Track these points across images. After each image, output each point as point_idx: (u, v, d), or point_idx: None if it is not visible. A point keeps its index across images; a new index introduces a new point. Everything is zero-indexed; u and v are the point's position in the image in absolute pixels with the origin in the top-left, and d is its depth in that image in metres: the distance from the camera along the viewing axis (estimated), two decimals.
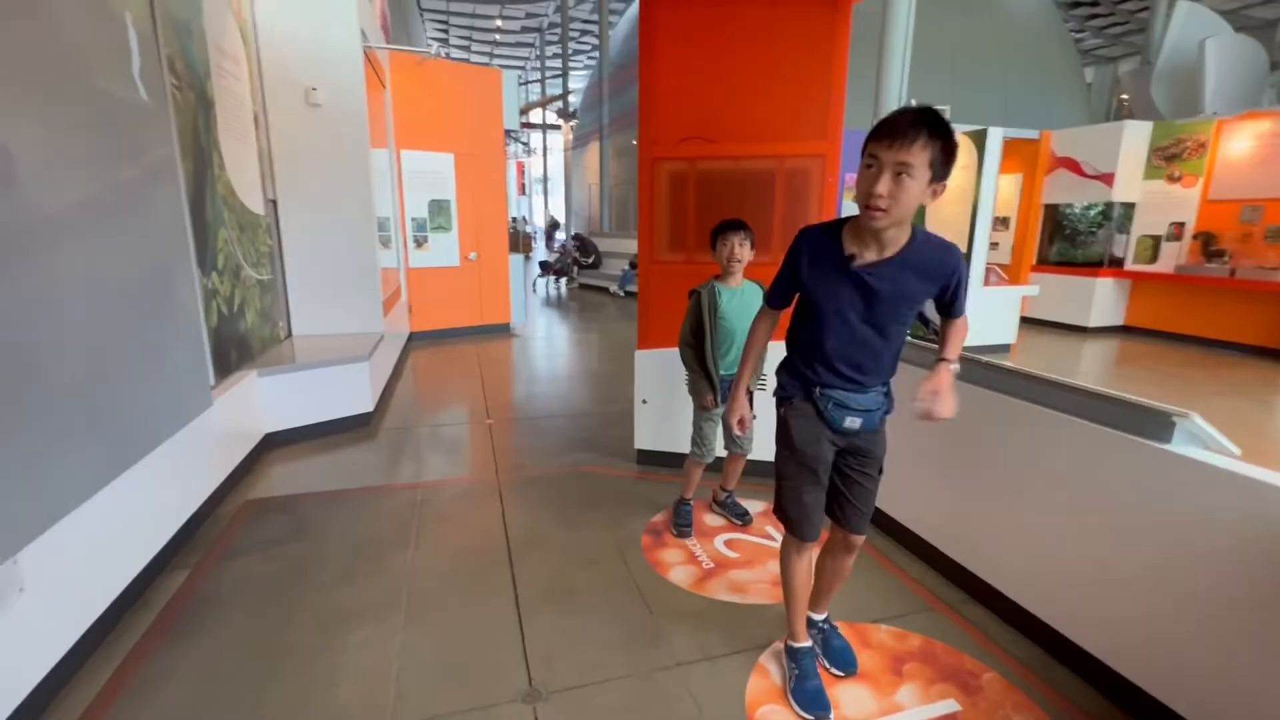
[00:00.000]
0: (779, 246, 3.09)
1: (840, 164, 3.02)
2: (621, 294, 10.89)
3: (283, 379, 3.58)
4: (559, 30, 23.38)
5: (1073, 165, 7.87)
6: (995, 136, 5.95)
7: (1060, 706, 1.75)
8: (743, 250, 2.48)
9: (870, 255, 1.49)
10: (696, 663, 1.93)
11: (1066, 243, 8.32)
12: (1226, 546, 1.48)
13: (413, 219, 6.53)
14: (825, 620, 1.97)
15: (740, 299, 2.52)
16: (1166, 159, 7.27)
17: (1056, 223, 8.32)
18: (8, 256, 1.60)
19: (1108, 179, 7.45)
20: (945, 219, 6.50)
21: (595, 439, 3.89)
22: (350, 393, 3.92)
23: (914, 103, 6.22)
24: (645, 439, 3.42)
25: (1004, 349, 6.65)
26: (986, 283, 6.58)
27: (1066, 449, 1.87)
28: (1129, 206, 7.59)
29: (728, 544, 2.65)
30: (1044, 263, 8.41)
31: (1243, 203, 6.66)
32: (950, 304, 1.57)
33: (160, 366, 2.38)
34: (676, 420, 3.32)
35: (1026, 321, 8.36)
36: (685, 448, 3.33)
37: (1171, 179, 7.24)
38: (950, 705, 1.75)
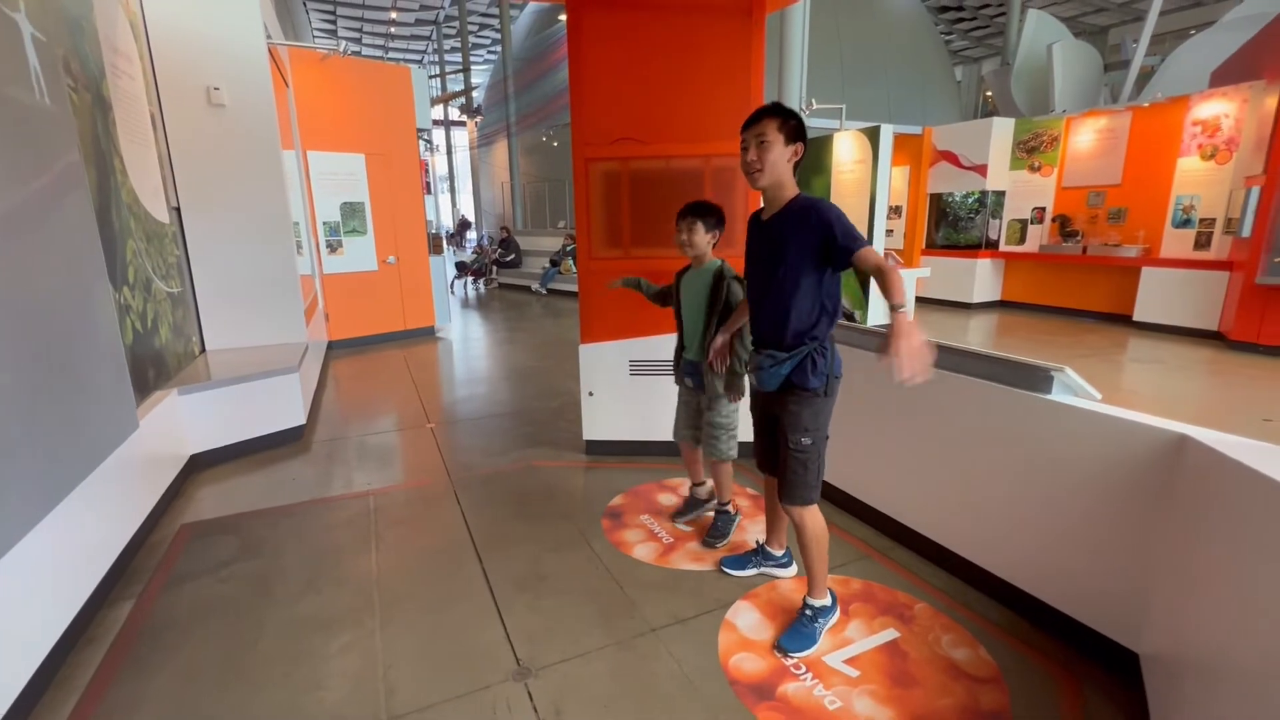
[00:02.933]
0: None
1: None
2: (544, 292, 10.87)
3: (206, 396, 3.40)
4: (457, 23, 22.73)
5: (952, 158, 8.70)
6: (887, 132, 6.50)
7: (977, 623, 2.07)
8: (692, 234, 2.39)
9: (769, 212, 1.91)
10: (669, 626, 2.10)
11: (950, 228, 9.19)
12: (1096, 472, 1.82)
13: (325, 223, 6.26)
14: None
15: (691, 283, 2.48)
16: (1027, 151, 8.21)
17: (941, 210, 9.17)
18: None
19: (982, 170, 8.31)
20: (847, 209, 7.02)
21: (541, 434, 3.97)
22: (280, 406, 3.77)
23: (813, 102, 6.65)
24: (594, 429, 3.55)
25: None
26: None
27: (968, 405, 2.20)
28: (1000, 194, 8.51)
29: (668, 508, 2.83)
30: (932, 247, 9.25)
31: (1089, 189, 7.66)
32: (834, 243, 1.69)
33: (84, 390, 2.24)
34: (623, 410, 3.47)
35: (920, 301, 9.19)
36: (634, 435, 3.52)
37: (1033, 169, 8.19)
38: (891, 634, 2.03)
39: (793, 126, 1.81)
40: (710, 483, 2.82)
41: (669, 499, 3.04)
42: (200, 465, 3.44)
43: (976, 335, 7.17)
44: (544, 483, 3.26)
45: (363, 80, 6.33)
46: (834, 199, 7.11)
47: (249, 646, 2.01)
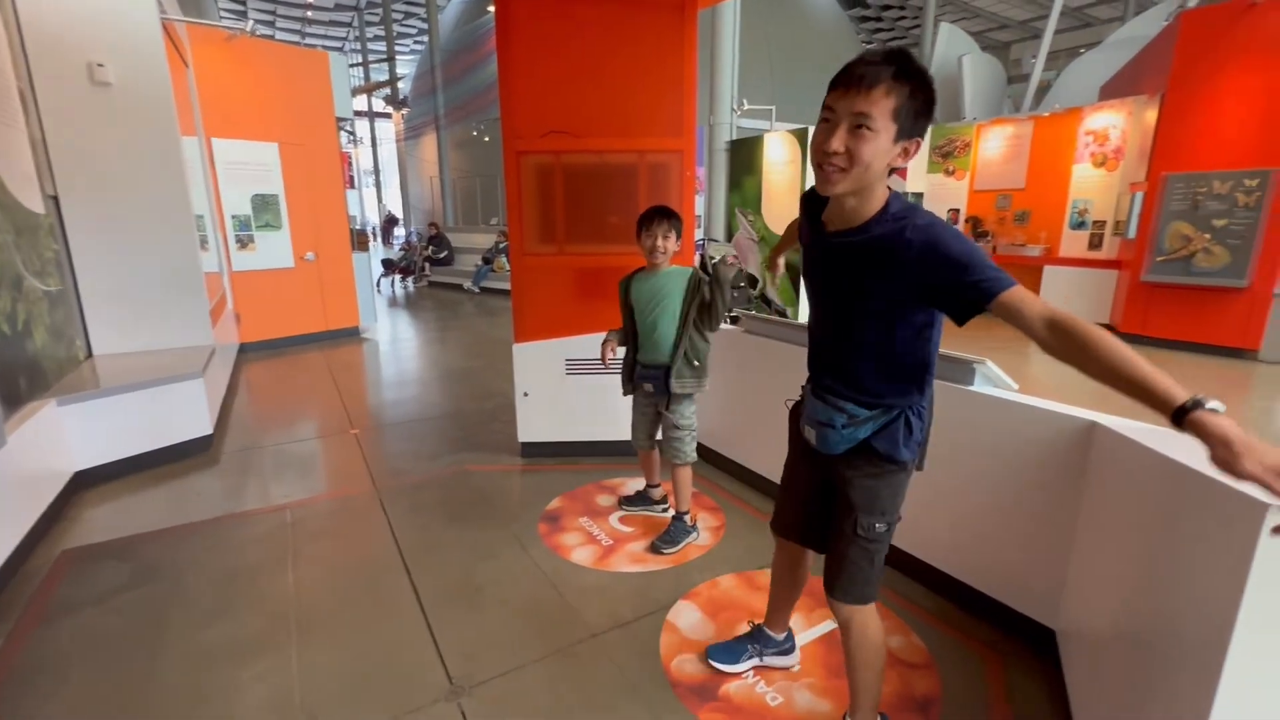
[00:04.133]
0: None
1: (696, 159, 3.27)
2: (477, 290, 10.56)
3: (91, 406, 3.06)
4: (380, 10, 21.74)
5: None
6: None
7: (908, 609, 2.13)
8: (667, 242, 2.33)
9: (837, 224, 1.26)
10: (609, 631, 2.05)
11: None
12: (1015, 459, 1.91)
13: (233, 216, 5.81)
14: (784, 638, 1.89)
15: (652, 283, 2.39)
16: (943, 156, 8.67)
17: None
18: None
19: (902, 172, 8.70)
20: (777, 214, 7.20)
21: (473, 437, 3.82)
22: (183, 414, 3.45)
23: (745, 103, 6.74)
24: (529, 431, 3.44)
25: None
26: None
27: None
28: (919, 196, 8.95)
29: (622, 520, 2.79)
30: None
31: (998, 192, 8.17)
32: (961, 288, 1.13)
33: None
34: (560, 410, 3.39)
35: None
36: (571, 435, 3.44)
37: (948, 173, 8.66)
38: (829, 625, 2.05)
39: (918, 104, 1.11)
40: (663, 487, 2.81)
41: (607, 500, 2.99)
42: (86, 483, 3.09)
43: None
44: (477, 488, 3.13)
45: (275, 64, 5.92)
46: (766, 199, 7.27)
47: (144, 682, 1.81)
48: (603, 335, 2.56)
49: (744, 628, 1.99)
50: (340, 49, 27.89)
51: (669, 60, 3.08)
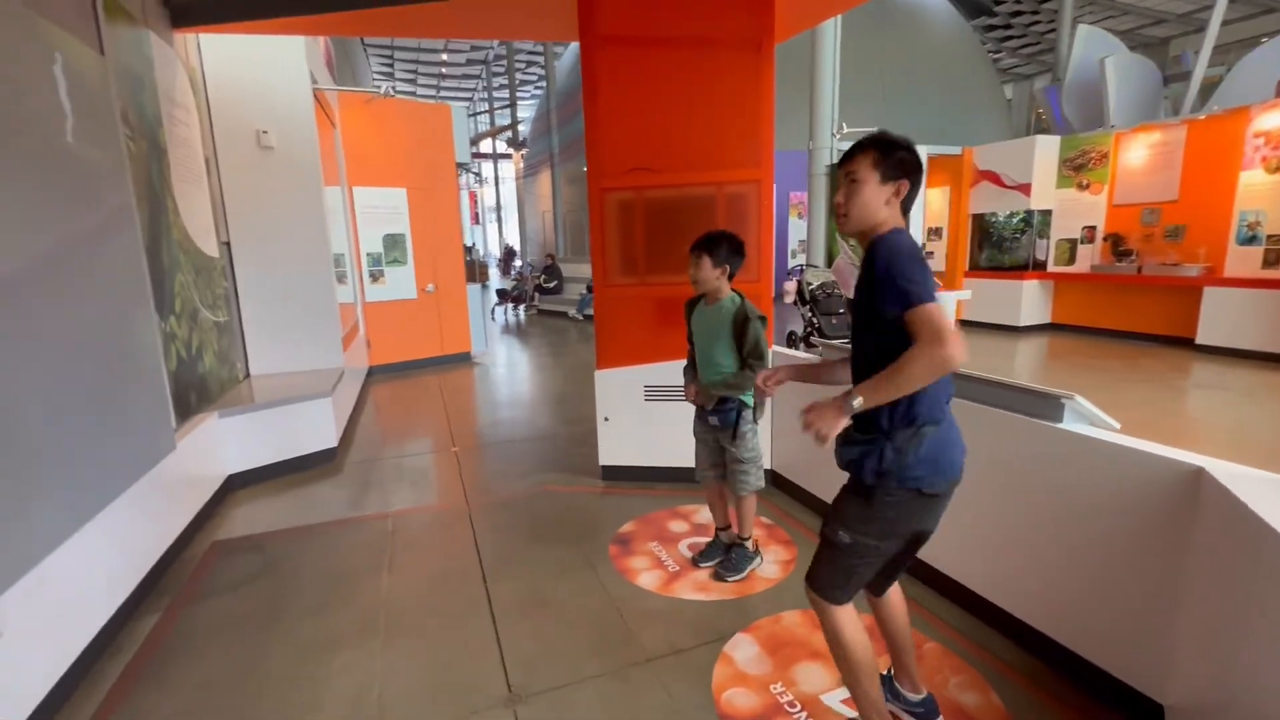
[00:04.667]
0: None
1: (774, 187, 3.28)
2: (580, 318, 11.03)
3: (244, 419, 3.59)
4: (505, 61, 23.77)
5: (994, 178, 8.46)
6: (921, 154, 6.38)
7: (990, 664, 1.95)
8: (698, 270, 2.33)
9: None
10: (665, 657, 2.06)
11: (994, 249, 8.90)
12: (1109, 505, 1.71)
13: (368, 254, 6.57)
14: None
15: (705, 317, 2.42)
16: (1074, 169, 7.90)
17: (984, 231, 8.90)
18: (5, 309, 1.66)
19: (1025, 189, 8.04)
20: None
21: (560, 459, 4.00)
22: (313, 429, 3.94)
23: (844, 126, 6.61)
24: (609, 455, 3.56)
25: None
26: None
27: (976, 432, 2.10)
28: (1046, 213, 8.20)
29: (691, 547, 2.79)
30: (976, 268, 8.96)
31: (1142, 206, 7.30)
32: (875, 289, 1.34)
33: (123, 412, 2.41)
34: (638, 436, 3.47)
35: (964, 324, 8.89)
36: (649, 460, 3.51)
37: (1081, 187, 7.87)
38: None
39: (895, 160, 1.42)
40: (733, 527, 2.70)
41: (680, 526, 3.01)
42: (237, 485, 3.61)
43: (1024, 359, 6.87)
44: (558, 507, 3.28)
45: (405, 119, 6.68)
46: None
47: (256, 666, 2.09)
48: (681, 363, 2.61)
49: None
50: (470, 98, 30.71)
51: (746, 95, 3.13)
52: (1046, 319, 8.40)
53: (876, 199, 1.44)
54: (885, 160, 1.44)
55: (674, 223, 3.32)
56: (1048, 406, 1.90)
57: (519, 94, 26.04)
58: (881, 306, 1.32)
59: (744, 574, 2.52)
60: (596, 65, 3.19)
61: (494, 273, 23.78)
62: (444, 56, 23.93)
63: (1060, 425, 1.86)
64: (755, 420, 2.47)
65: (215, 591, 2.56)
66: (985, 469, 2.09)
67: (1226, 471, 1.44)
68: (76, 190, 2.25)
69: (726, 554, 2.61)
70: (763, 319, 2.37)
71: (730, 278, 2.37)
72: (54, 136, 2.14)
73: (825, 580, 1.54)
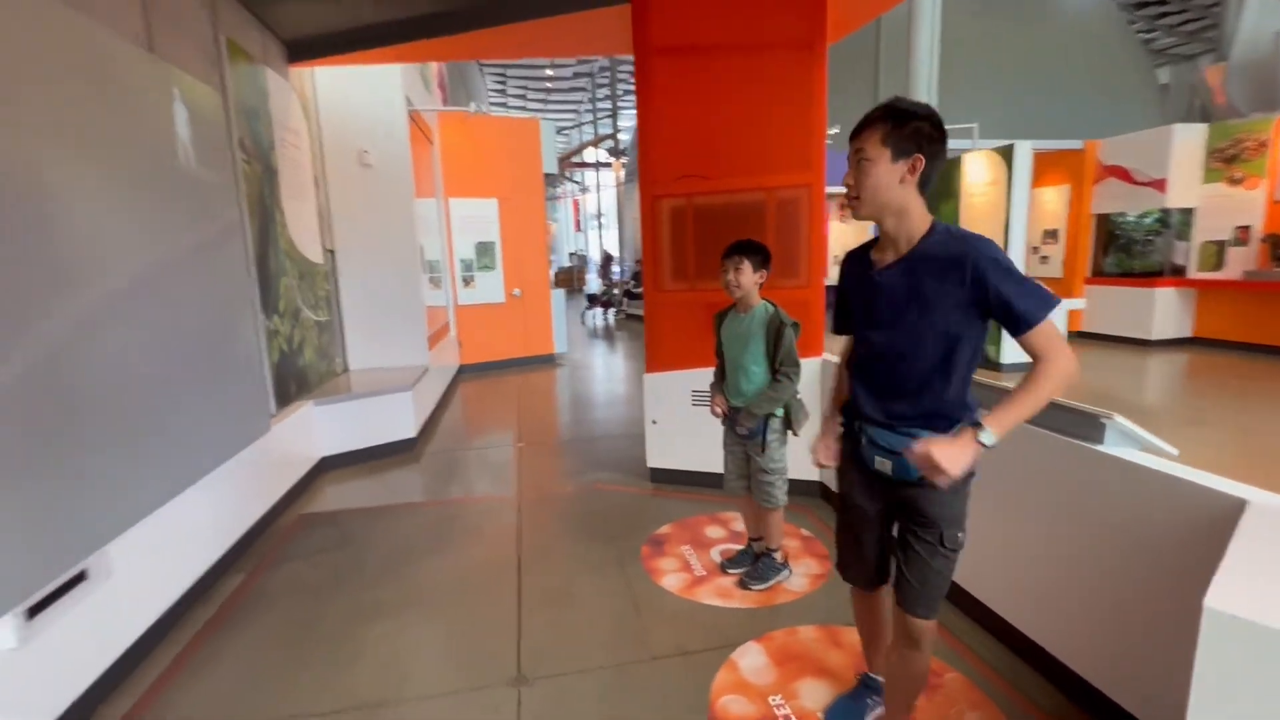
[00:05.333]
0: (774, 272, 3.26)
1: (825, 191, 3.20)
2: None
3: (335, 408, 4.02)
4: (609, 73, 24.53)
5: (1122, 173, 7.58)
6: (1023, 150, 5.89)
7: (1018, 704, 1.80)
8: (739, 275, 2.30)
9: (888, 258, 1.41)
10: (671, 657, 2.09)
11: (1122, 253, 7.97)
12: (1151, 537, 1.54)
13: (461, 260, 7.07)
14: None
15: (736, 326, 2.39)
16: (1225, 160, 6.91)
17: (1110, 233, 8.00)
18: (97, 311, 2.02)
19: (1159, 185, 7.13)
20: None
21: (616, 459, 4.11)
22: (395, 420, 4.33)
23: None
24: (656, 457, 3.62)
25: None
26: None
27: (1012, 449, 1.95)
28: (1187, 212, 7.23)
29: (723, 554, 2.79)
30: (1100, 275, 8.07)
31: None
32: (997, 309, 1.26)
33: (224, 397, 2.81)
34: (686, 439, 3.50)
35: (1083, 336, 8.03)
36: (694, 465, 3.52)
37: (1233, 181, 6.86)
38: None
39: (907, 132, 1.29)
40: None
41: (717, 532, 3.01)
42: (328, 466, 4.05)
43: (1155, 379, 6.09)
44: (602, 506, 3.38)
45: (498, 133, 7.13)
46: (964, 224, 6.56)
47: (313, 623, 2.36)
48: None
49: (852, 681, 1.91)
50: (576, 110, 31.92)
51: (797, 98, 3.09)
52: (1186, 332, 7.39)
53: (889, 178, 1.32)
54: (896, 132, 1.30)
55: (724, 229, 3.31)
56: (1086, 426, 1.73)
57: (622, 104, 26.73)
58: (1003, 312, 1.24)
59: (768, 584, 2.48)
60: (649, 76, 3.28)
61: (592, 278, 24.54)
62: (549, 72, 25.05)
63: (1099, 447, 1.69)
64: (796, 432, 2.43)
65: (294, 557, 2.90)
66: (1018, 489, 1.94)
67: (1275, 506, 1.26)
68: (193, 207, 2.67)
69: (754, 563, 2.59)
70: (796, 326, 2.33)
71: (761, 286, 2.36)
72: (173, 162, 2.55)
73: (933, 598, 1.43)
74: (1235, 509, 1.34)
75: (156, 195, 2.41)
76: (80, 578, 1.85)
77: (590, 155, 29.75)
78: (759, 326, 2.34)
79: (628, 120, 29.04)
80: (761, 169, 3.20)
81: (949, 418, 1.37)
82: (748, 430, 2.41)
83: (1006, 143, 6.02)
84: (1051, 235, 8.42)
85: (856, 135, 1.36)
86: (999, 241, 6.08)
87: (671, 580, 2.59)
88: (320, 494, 3.70)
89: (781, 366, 2.31)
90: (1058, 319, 1.23)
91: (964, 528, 1.42)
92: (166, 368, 2.38)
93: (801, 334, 3.18)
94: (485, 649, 2.17)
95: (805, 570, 2.62)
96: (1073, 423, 1.78)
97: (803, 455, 2.94)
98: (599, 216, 33.02)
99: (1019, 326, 1.24)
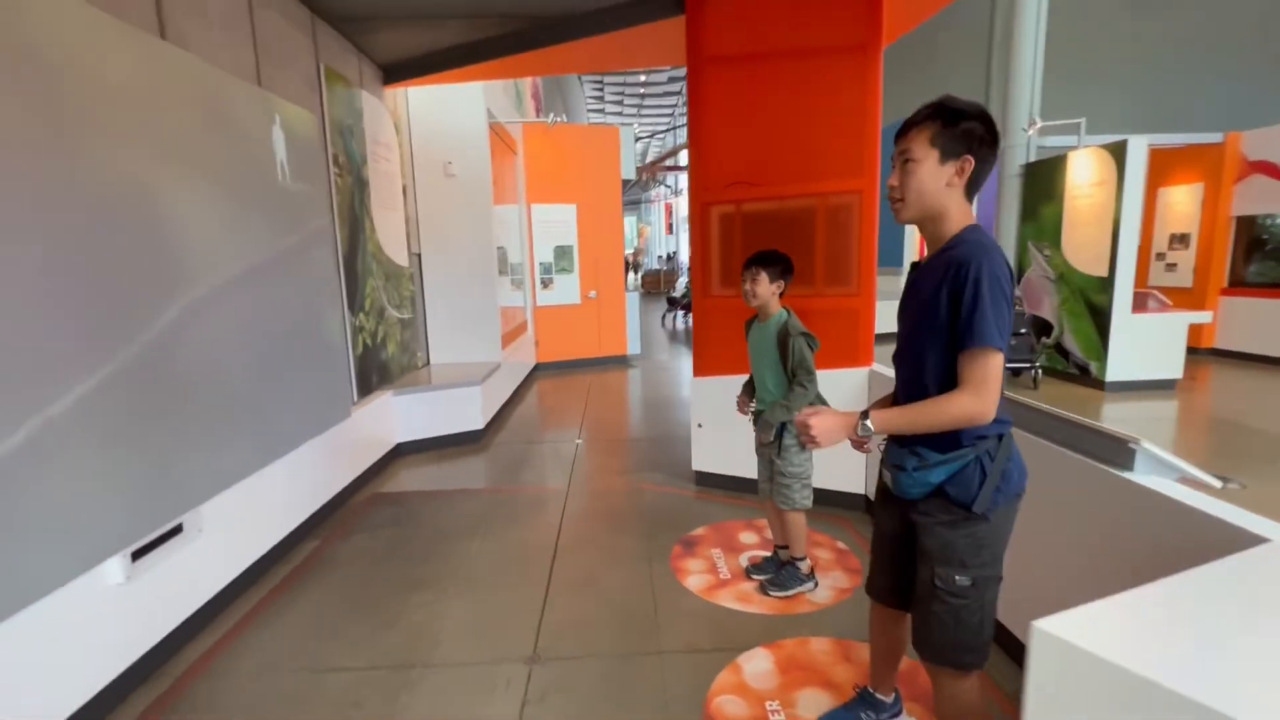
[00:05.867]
0: (823, 280, 3.23)
1: (877, 197, 3.11)
2: None
3: (412, 398, 4.40)
4: None
5: (1272, 169, 6.66)
6: (1138, 147, 5.34)
7: None
8: (755, 285, 2.35)
9: (928, 257, 1.39)
10: (678, 653, 2.15)
11: (1270, 260, 6.98)
12: (1165, 567, 1.42)
13: (540, 263, 7.42)
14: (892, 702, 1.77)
15: (757, 336, 2.45)
16: None
17: (1254, 237, 7.04)
18: (203, 305, 2.38)
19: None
20: (1079, 244, 5.91)
21: (665, 460, 4.19)
22: (465, 412, 4.65)
23: (1037, 120, 5.78)
24: (701, 461, 3.66)
25: (1167, 385, 5.76)
26: (1141, 309, 5.80)
27: (1044, 474, 1.84)
28: None
29: (751, 559, 2.79)
30: (1240, 285, 7.13)
31: None
32: (963, 313, 1.22)
33: (310, 384, 3.18)
34: (730, 444, 3.52)
35: (1216, 354, 7.14)
36: (737, 470, 3.53)
37: None
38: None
39: (959, 132, 1.25)
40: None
41: (750, 538, 3.01)
42: (403, 451, 4.43)
43: None
44: (643, 504, 3.47)
45: (579, 141, 7.42)
46: (1067, 229, 6.06)
47: (363, 589, 2.63)
48: None
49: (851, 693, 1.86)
50: (671, 114, 32.22)
51: (850, 102, 3.03)
52: None
53: (935, 181, 1.28)
54: (946, 132, 1.26)
55: (772, 235, 3.31)
56: (1114, 451, 1.62)
57: None
58: (956, 325, 1.23)
59: (789, 593, 2.47)
60: (702, 84, 3.33)
61: (685, 281, 24.66)
62: (643, 78, 25.46)
63: (1126, 474, 1.57)
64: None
65: (360, 530, 3.23)
66: (1043, 512, 1.83)
67: None
68: (288, 216, 3.05)
69: (778, 571, 2.58)
70: (808, 335, 2.33)
71: (780, 295, 2.38)
72: (271, 178, 2.93)
73: (952, 643, 1.34)
74: (1257, 547, 1.22)
75: (255, 206, 2.79)
76: (177, 530, 2.20)
77: (684, 159, 29.95)
78: (771, 336, 2.37)
79: None
80: (812, 175, 3.16)
81: (952, 435, 1.28)
82: (766, 438, 2.42)
83: (1118, 138, 5.48)
84: (1181, 240, 7.54)
85: (903, 135, 1.32)
86: (1104, 248, 5.55)
87: (695, 580, 2.64)
88: (393, 476, 4.07)
89: (795, 376, 2.32)
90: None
91: (970, 571, 1.30)
92: (260, 356, 2.75)
93: (843, 344, 3.15)
94: (508, 626, 2.33)
95: (833, 583, 2.58)
96: (1101, 446, 1.66)
97: (843, 466, 2.87)
98: (690, 220, 33.10)
99: (964, 340, 1.22)
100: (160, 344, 2.14)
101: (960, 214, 1.31)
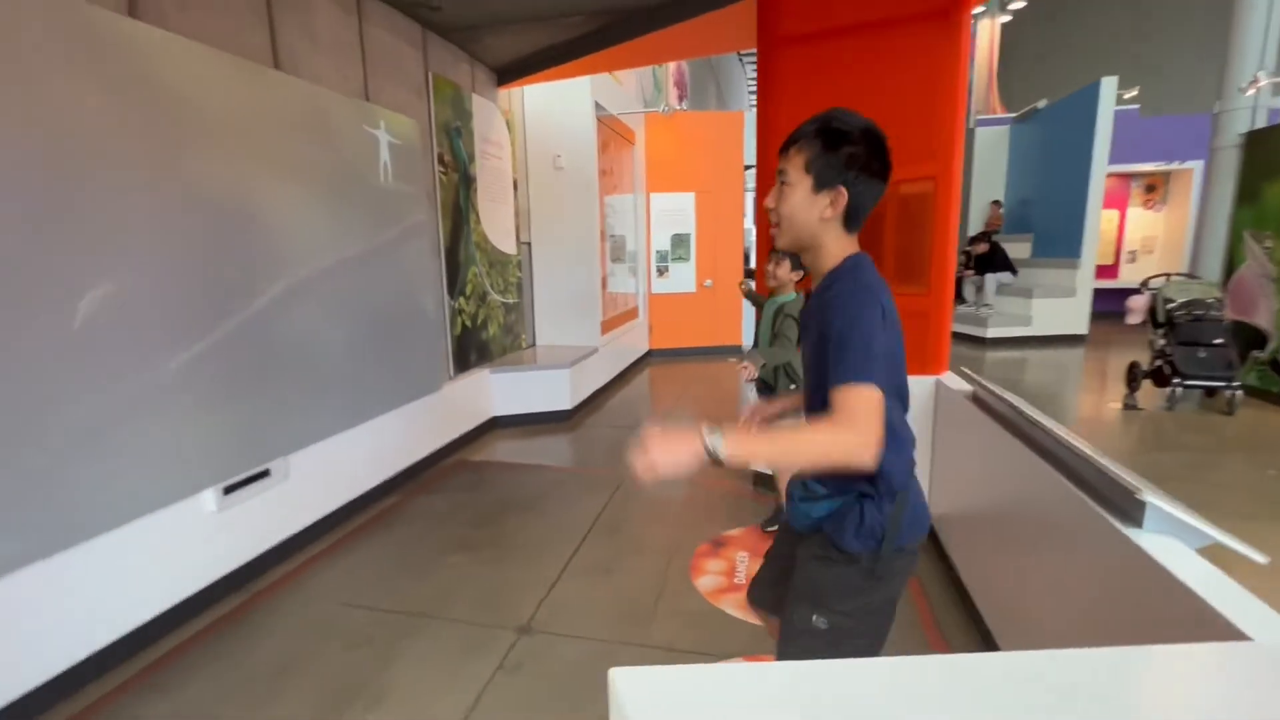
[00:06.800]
0: (893, 277, 2.94)
1: (959, 183, 2.74)
2: None
3: (506, 376, 4.79)
4: None
5: None
6: None
7: None
8: (778, 268, 2.68)
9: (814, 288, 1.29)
10: (655, 649, 2.17)
11: None
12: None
13: (657, 251, 7.54)
14: None
15: (766, 306, 2.77)
16: None
17: None
18: (323, 284, 2.84)
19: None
20: None
21: None
22: (553, 393, 4.95)
23: (1260, 76, 4.71)
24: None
25: None
26: None
27: (1047, 506, 1.56)
28: None
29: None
30: None
31: None
32: (833, 346, 1.10)
33: (399, 358, 3.62)
34: None
35: None
36: None
37: None
38: None
39: (835, 158, 1.12)
40: None
41: None
42: (500, 424, 4.84)
43: None
44: (693, 497, 3.46)
45: (701, 129, 7.36)
46: None
47: (416, 544, 2.98)
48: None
49: None
50: None
51: (928, 77, 2.70)
52: None
53: (808, 212, 1.16)
54: (823, 157, 1.13)
55: None
56: (1123, 501, 1.32)
57: None
58: (828, 364, 1.10)
59: None
60: (773, 67, 3.17)
61: None
62: None
63: (1131, 532, 1.28)
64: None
65: (435, 492, 3.63)
66: (1048, 547, 1.57)
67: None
68: (388, 212, 3.48)
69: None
70: (798, 320, 2.42)
71: (799, 281, 2.66)
72: (374, 179, 3.37)
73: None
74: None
75: (355, 205, 3.23)
76: (264, 474, 2.68)
77: None
78: (771, 313, 2.68)
79: None
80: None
81: (841, 476, 1.16)
82: (752, 376, 2.58)
83: None
84: None
85: (783, 151, 1.20)
86: None
87: (707, 581, 2.60)
88: (484, 446, 4.48)
89: (776, 339, 2.62)
90: (859, 399, 1.02)
91: (826, 615, 1.19)
92: (352, 332, 3.20)
93: (923, 349, 2.86)
94: (516, 597, 2.51)
95: None
96: (1111, 490, 1.37)
97: None
98: None
99: (831, 378, 1.08)
100: (260, 320, 2.61)
101: (838, 247, 1.19)
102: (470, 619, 2.36)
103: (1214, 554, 1.22)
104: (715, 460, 1.05)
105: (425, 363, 3.91)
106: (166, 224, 2.22)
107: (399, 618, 2.38)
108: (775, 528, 2.81)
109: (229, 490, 2.51)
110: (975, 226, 11.45)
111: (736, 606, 2.42)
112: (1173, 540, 1.24)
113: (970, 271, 8.89)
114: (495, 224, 4.90)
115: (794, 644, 1.24)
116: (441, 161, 4.10)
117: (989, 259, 8.68)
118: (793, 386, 2.71)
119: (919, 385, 2.89)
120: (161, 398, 2.20)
